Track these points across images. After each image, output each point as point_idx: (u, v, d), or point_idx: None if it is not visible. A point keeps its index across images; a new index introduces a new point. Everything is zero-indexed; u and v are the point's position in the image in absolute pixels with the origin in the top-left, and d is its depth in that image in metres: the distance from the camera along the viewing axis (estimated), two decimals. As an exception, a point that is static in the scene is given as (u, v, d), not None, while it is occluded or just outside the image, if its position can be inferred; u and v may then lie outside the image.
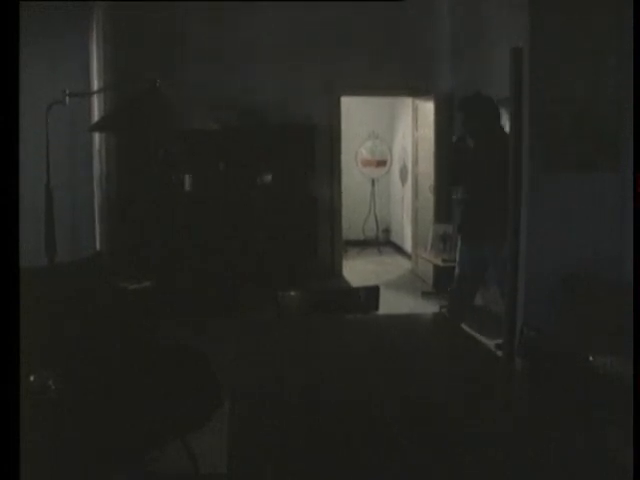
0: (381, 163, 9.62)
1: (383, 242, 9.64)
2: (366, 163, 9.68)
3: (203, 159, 6.61)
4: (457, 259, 4.85)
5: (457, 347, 2.46)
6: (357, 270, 7.89)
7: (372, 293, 3.09)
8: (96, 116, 4.36)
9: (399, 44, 6.95)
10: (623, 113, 3.77)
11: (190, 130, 6.11)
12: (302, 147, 6.84)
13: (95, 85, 4.40)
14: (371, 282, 3.43)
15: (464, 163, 4.71)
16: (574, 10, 3.78)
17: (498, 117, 4.63)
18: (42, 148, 3.39)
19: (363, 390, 1.94)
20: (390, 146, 9.56)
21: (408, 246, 8.40)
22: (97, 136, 4.59)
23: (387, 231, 9.82)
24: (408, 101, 7.83)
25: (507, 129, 4.88)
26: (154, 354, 2.54)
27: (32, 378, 1.88)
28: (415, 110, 7.55)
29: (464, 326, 4.29)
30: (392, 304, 5.78)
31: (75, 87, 3.75)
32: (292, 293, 2.97)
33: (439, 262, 6.35)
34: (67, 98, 3.45)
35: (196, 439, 2.63)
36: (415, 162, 7.82)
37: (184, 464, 2.59)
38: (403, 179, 8.95)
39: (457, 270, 4.81)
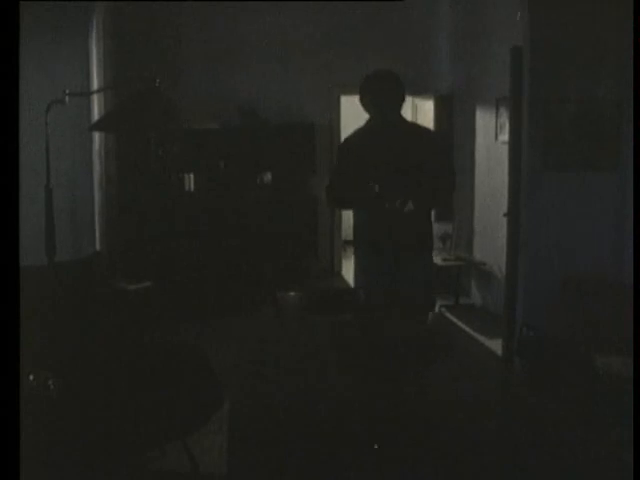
0: (381, 163, 9.61)
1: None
2: (366, 163, 9.66)
3: (203, 159, 6.61)
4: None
5: (457, 347, 2.46)
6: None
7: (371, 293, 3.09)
8: (96, 116, 4.35)
9: (399, 44, 6.95)
10: (623, 113, 3.77)
11: (190, 130, 6.13)
12: (302, 147, 6.84)
13: (95, 85, 4.39)
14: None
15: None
16: (574, 10, 3.79)
17: (400, 101, 3.70)
18: (42, 148, 3.39)
19: (362, 389, 1.94)
20: (390, 146, 9.54)
21: (408, 246, 8.39)
22: (97, 136, 4.58)
23: (387, 231, 9.80)
24: (408, 100, 7.81)
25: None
26: (154, 354, 2.54)
27: (32, 378, 1.88)
28: (415, 109, 7.55)
29: (463, 326, 4.28)
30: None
31: (75, 87, 3.75)
32: (292, 293, 2.97)
33: (439, 261, 6.35)
34: (67, 98, 3.44)
35: (196, 439, 2.63)
36: (415, 162, 7.81)
37: (184, 464, 2.59)
38: (403, 179, 8.93)
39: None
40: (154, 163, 6.44)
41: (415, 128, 4.00)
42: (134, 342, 2.56)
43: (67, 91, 3.46)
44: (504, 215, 4.37)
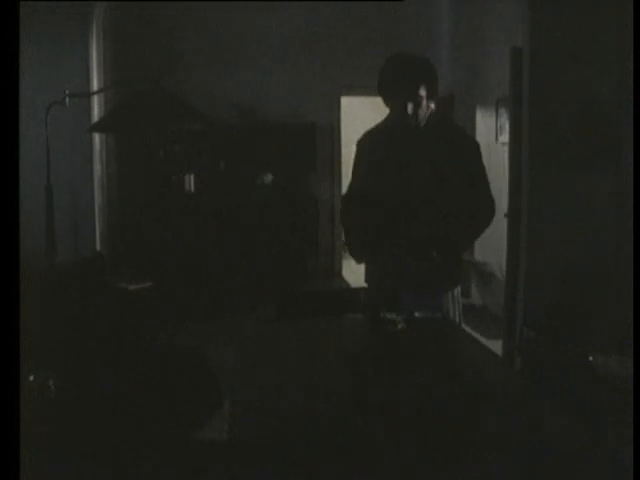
0: (381, 163, 9.62)
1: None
2: (366, 163, 9.67)
3: (203, 159, 6.62)
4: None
5: (457, 347, 2.46)
6: (357, 270, 7.89)
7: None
8: (96, 116, 4.36)
9: (399, 44, 6.95)
10: (623, 113, 3.77)
11: (190, 130, 6.13)
12: (302, 147, 6.84)
13: (95, 85, 4.39)
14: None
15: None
16: (574, 10, 3.79)
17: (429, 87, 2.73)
18: (42, 148, 3.39)
19: (363, 390, 1.93)
20: (390, 146, 9.55)
21: (408, 246, 8.39)
22: (97, 136, 4.59)
23: (387, 231, 9.80)
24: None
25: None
26: (154, 354, 2.54)
27: (32, 378, 1.88)
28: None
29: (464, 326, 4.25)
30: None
31: (75, 87, 3.75)
32: (292, 293, 2.96)
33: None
34: (67, 98, 3.44)
35: (195, 440, 2.63)
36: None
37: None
38: (403, 179, 8.93)
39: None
40: (154, 163, 6.44)
41: (449, 132, 2.86)
42: (134, 342, 2.56)
43: (67, 92, 3.46)
44: (504, 215, 4.37)
